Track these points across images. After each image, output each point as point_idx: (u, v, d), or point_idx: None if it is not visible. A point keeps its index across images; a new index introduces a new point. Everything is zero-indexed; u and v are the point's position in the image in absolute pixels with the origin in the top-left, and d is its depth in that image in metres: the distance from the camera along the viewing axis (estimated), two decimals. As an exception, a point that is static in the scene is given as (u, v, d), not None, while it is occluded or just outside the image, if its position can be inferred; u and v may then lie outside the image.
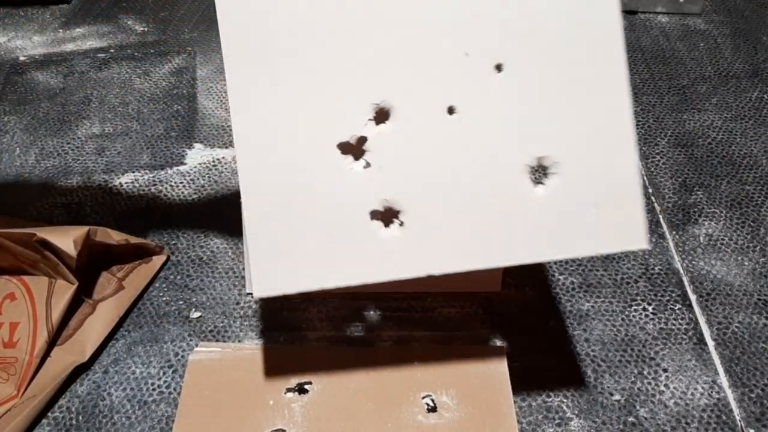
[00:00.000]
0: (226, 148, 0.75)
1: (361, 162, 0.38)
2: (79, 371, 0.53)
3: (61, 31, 0.94)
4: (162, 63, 0.87)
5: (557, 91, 0.38)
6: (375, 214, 0.39)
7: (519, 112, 0.38)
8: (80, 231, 0.54)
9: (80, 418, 0.50)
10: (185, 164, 0.72)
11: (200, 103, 0.81)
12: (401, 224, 0.38)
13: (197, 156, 0.73)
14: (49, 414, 0.51)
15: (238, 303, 0.58)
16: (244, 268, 0.60)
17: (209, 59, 0.88)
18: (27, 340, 0.51)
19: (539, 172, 0.39)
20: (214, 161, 0.73)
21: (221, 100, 0.82)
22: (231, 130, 0.79)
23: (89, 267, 0.55)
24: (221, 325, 0.57)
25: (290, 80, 0.37)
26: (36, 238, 0.52)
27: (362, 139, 0.38)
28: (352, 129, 0.38)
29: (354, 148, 0.39)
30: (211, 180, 0.70)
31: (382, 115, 0.38)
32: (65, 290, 0.53)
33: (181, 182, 0.70)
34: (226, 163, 0.72)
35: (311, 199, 0.38)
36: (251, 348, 0.54)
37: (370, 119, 0.38)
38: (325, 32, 0.37)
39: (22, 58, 0.89)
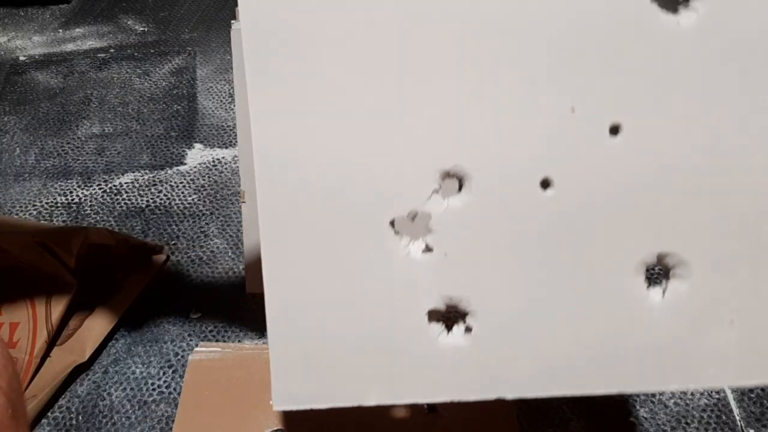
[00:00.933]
0: (226, 148, 0.74)
1: (420, 244, 0.30)
2: (79, 371, 0.53)
3: (61, 31, 0.94)
4: (162, 63, 0.87)
5: (694, 168, 0.28)
6: (434, 315, 0.30)
7: (638, 191, 0.29)
8: (80, 231, 0.54)
9: (80, 418, 0.50)
10: (185, 164, 0.72)
11: (200, 103, 0.81)
12: (468, 330, 0.30)
13: (197, 156, 0.73)
14: (49, 414, 0.51)
15: (238, 303, 0.58)
16: (244, 268, 0.60)
17: (209, 59, 0.88)
18: (27, 340, 0.51)
19: (659, 274, 0.30)
20: (213, 161, 0.73)
21: (221, 100, 0.82)
22: (231, 129, 0.80)
23: (89, 267, 0.55)
24: (221, 325, 0.57)
25: (331, 130, 0.29)
26: (35, 239, 0.51)
27: (424, 216, 0.29)
28: (411, 201, 0.29)
29: (412, 227, 0.30)
30: (211, 180, 0.70)
31: (451, 187, 0.30)
32: (65, 290, 0.53)
33: (181, 182, 0.70)
34: (225, 163, 0.72)
35: (352, 290, 0.30)
36: (251, 348, 0.54)
37: (435, 190, 0.29)
38: (382, 68, 0.28)
39: (22, 58, 0.89)
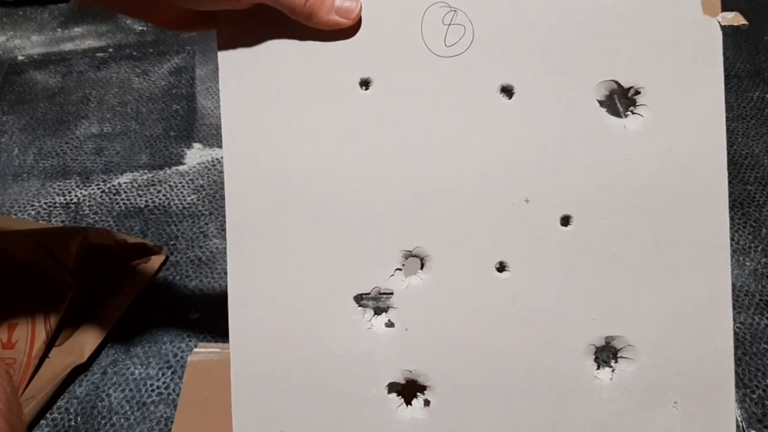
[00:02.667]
0: (226, 147, 0.74)
1: (383, 319, 0.31)
2: (78, 372, 0.53)
3: (59, 30, 0.94)
4: (161, 62, 0.87)
5: (638, 258, 0.30)
6: (394, 387, 0.31)
7: (587, 278, 0.30)
8: (78, 231, 0.54)
9: (79, 419, 0.50)
10: (184, 164, 0.72)
11: (199, 102, 0.81)
12: (426, 403, 0.31)
13: (196, 156, 0.73)
14: (48, 415, 0.50)
15: (237, 303, 0.58)
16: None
17: (208, 58, 0.88)
18: (25, 341, 0.51)
19: (606, 355, 0.32)
20: (213, 161, 0.72)
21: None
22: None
23: (87, 267, 0.55)
24: (220, 325, 0.56)
25: (299, 211, 0.30)
26: (34, 239, 0.51)
27: (387, 293, 0.31)
28: (374, 279, 0.30)
29: (375, 303, 0.31)
30: (210, 180, 0.70)
31: (413, 265, 0.31)
32: (63, 291, 0.53)
33: (180, 182, 0.70)
34: (225, 163, 0.72)
35: (315, 361, 0.31)
36: (250, 349, 0.53)
37: (398, 269, 0.31)
38: (349, 159, 0.30)
39: (20, 58, 0.89)
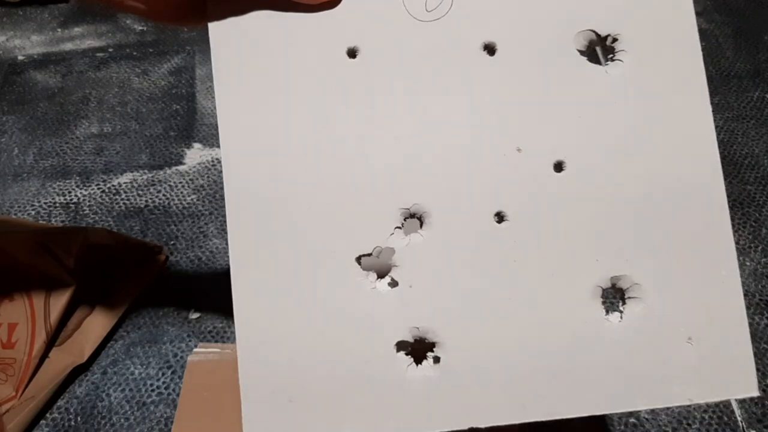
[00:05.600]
0: (226, 147, 0.74)
1: (386, 279, 0.31)
2: (78, 372, 0.53)
3: (59, 30, 0.94)
4: (161, 62, 0.87)
5: (633, 195, 0.31)
6: (402, 346, 0.31)
7: (585, 220, 0.31)
8: (79, 231, 0.54)
9: (79, 419, 0.50)
10: (184, 164, 0.72)
11: (199, 102, 0.81)
12: (436, 360, 0.31)
13: (196, 156, 0.73)
14: (48, 415, 0.50)
15: (237, 303, 0.58)
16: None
17: (208, 58, 0.87)
18: (25, 340, 0.51)
19: (614, 297, 0.32)
20: (213, 161, 0.72)
21: (220, 100, 0.81)
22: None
23: (87, 267, 0.55)
24: (220, 325, 0.56)
25: (295, 179, 0.31)
26: (34, 239, 0.51)
27: (388, 251, 0.31)
28: (375, 239, 0.31)
29: (377, 263, 0.31)
30: (210, 180, 0.70)
31: (413, 223, 0.32)
32: (63, 291, 0.53)
33: (180, 182, 0.70)
34: (225, 163, 0.72)
35: (321, 326, 0.31)
36: (250, 349, 0.53)
37: (398, 227, 0.31)
38: (341, 125, 0.31)
39: (20, 58, 0.89)
